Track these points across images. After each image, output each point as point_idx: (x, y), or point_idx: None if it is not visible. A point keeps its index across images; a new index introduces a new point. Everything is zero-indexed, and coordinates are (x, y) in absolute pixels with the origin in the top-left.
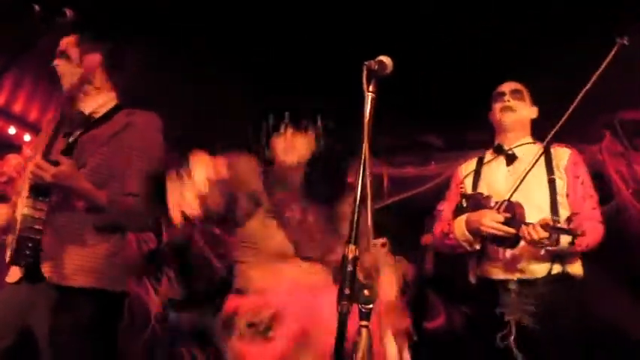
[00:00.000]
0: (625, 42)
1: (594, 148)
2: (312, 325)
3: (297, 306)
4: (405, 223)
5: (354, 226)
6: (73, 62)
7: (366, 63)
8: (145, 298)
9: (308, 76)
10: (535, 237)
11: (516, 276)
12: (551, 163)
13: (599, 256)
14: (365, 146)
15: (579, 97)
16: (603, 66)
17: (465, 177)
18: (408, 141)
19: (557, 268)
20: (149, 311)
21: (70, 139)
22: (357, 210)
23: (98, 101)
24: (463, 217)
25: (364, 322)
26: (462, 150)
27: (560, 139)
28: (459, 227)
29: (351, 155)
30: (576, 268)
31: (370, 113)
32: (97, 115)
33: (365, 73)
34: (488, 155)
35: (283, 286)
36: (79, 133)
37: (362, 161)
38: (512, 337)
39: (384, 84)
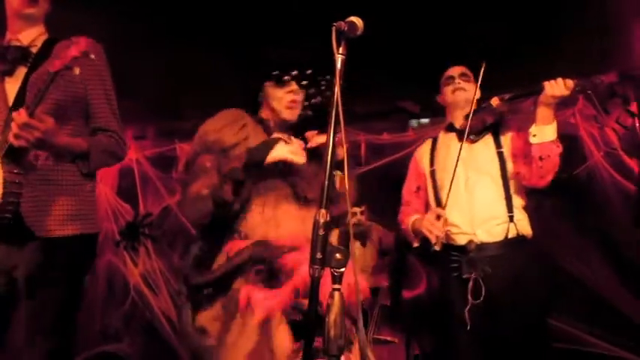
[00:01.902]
0: None
1: (568, 111)
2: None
3: (300, 262)
4: (384, 189)
5: (326, 190)
6: None
7: (335, 24)
8: (122, 269)
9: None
10: (564, 88)
11: (477, 239)
12: (499, 139)
13: (571, 217)
14: (334, 110)
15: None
16: None
17: (422, 157)
18: (385, 107)
19: (512, 231)
20: (128, 283)
21: (11, 75)
22: (328, 175)
23: (34, 33)
24: (416, 217)
25: (336, 286)
26: (439, 116)
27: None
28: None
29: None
30: (527, 229)
31: (340, 76)
32: (35, 49)
33: (334, 34)
34: (442, 134)
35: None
36: (25, 70)
37: (331, 126)
38: (475, 299)
39: (361, 49)
